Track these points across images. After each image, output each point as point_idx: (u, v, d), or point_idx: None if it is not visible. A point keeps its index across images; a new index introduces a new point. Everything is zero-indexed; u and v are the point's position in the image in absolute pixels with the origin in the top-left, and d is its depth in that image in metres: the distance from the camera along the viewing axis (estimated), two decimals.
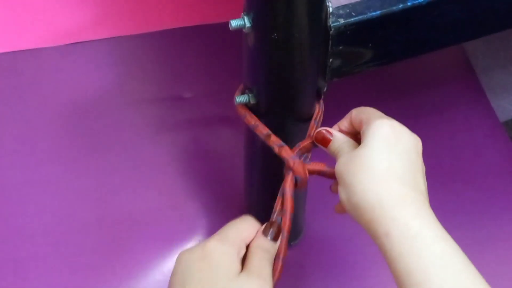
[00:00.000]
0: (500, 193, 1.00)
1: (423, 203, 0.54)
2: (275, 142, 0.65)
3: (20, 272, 0.91)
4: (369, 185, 0.54)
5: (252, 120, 0.67)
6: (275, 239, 0.59)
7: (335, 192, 0.61)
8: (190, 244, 0.93)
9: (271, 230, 0.59)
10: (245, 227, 0.57)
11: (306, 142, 0.65)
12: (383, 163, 0.55)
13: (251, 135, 0.71)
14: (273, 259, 0.58)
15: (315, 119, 0.67)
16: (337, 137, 0.61)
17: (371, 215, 0.53)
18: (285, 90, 0.66)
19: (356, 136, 0.62)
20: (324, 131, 0.62)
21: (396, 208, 0.53)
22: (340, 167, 0.57)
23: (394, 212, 0.53)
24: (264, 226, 0.59)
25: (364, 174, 0.55)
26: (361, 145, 0.57)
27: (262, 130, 0.66)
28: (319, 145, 0.62)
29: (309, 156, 0.65)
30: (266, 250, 0.57)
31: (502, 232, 0.96)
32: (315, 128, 0.66)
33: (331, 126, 0.64)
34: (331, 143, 0.61)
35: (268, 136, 0.65)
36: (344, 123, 0.63)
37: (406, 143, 0.57)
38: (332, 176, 0.61)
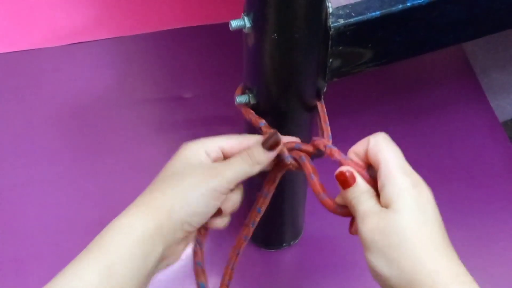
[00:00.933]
0: (500, 193, 1.00)
1: (471, 280, 0.52)
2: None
3: (20, 272, 0.91)
4: (419, 262, 0.52)
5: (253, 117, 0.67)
6: (270, 149, 0.61)
7: (354, 233, 0.59)
8: (190, 244, 0.93)
9: (269, 140, 0.61)
10: (225, 137, 0.62)
11: (307, 148, 0.64)
12: (424, 233, 0.53)
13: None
14: (255, 168, 0.60)
15: (325, 122, 0.67)
16: (360, 185, 0.57)
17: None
18: (285, 90, 0.66)
19: (368, 167, 0.59)
20: (347, 173, 0.57)
21: (452, 285, 0.51)
22: (372, 233, 0.54)
23: (453, 281, 0.51)
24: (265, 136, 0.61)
25: (410, 248, 0.52)
26: (390, 209, 0.54)
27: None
28: (338, 185, 0.59)
29: (315, 154, 0.65)
30: (251, 154, 0.60)
31: (502, 232, 0.96)
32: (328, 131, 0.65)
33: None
34: (351, 189, 0.57)
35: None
36: (359, 149, 0.59)
37: (431, 202, 0.54)
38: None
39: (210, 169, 0.59)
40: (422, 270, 0.52)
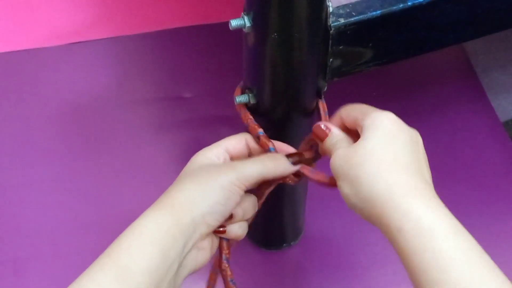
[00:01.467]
0: (500, 193, 1.00)
1: (433, 194, 0.53)
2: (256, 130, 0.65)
3: (20, 272, 0.90)
4: (377, 176, 0.53)
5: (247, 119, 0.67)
6: (294, 163, 0.62)
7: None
8: None
9: (298, 158, 0.62)
10: (233, 137, 0.63)
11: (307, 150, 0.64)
12: (389, 154, 0.54)
13: None
14: (271, 172, 0.61)
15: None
16: (335, 132, 0.60)
17: (382, 209, 0.52)
18: (285, 90, 0.66)
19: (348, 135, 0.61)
20: (322, 125, 0.60)
21: (408, 200, 0.51)
22: (339, 160, 0.56)
23: (406, 205, 0.51)
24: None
25: (371, 165, 0.53)
26: (361, 138, 0.56)
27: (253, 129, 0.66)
28: (316, 140, 0.61)
29: (318, 158, 0.65)
30: (273, 157, 0.61)
31: (502, 232, 0.96)
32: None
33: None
34: (328, 138, 0.60)
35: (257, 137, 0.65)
36: (333, 122, 0.61)
37: (407, 134, 0.56)
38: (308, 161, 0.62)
39: (227, 165, 0.60)
40: (379, 183, 0.53)
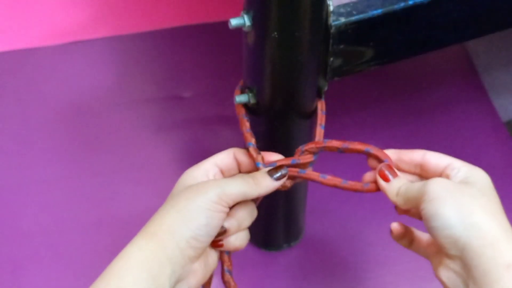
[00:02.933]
0: (502, 193, 0.99)
1: None
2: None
3: (19, 273, 0.90)
4: (491, 214, 0.55)
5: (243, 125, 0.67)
6: (277, 179, 0.61)
7: (401, 213, 0.62)
8: None
9: (280, 172, 0.62)
10: (221, 153, 0.63)
11: (310, 146, 0.64)
12: (495, 201, 0.57)
13: None
14: (254, 191, 0.60)
15: (321, 124, 0.67)
16: (401, 179, 0.61)
17: (492, 241, 0.53)
18: (285, 89, 0.66)
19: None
20: (387, 172, 0.62)
21: None
22: (446, 185, 0.57)
23: None
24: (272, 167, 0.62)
25: (484, 203, 0.56)
26: (463, 180, 0.58)
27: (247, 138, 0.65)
28: (379, 180, 0.62)
29: (314, 162, 0.65)
30: (255, 177, 0.61)
31: None
32: (321, 134, 0.66)
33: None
34: (392, 182, 0.61)
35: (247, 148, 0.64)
36: (407, 157, 0.62)
37: (496, 194, 0.60)
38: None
39: (208, 183, 0.59)
40: (493, 221, 0.55)
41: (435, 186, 0.57)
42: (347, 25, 0.63)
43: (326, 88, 0.68)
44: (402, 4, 0.64)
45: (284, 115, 0.69)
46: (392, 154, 0.63)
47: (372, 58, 0.67)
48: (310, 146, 0.64)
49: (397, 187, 0.60)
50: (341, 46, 0.64)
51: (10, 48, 1.12)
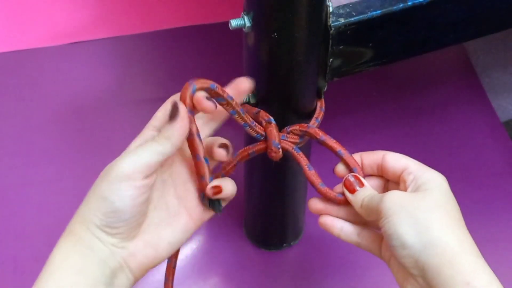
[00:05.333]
0: (500, 193, 1.00)
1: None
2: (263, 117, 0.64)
3: (19, 273, 0.90)
4: (449, 228, 0.53)
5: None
6: (171, 118, 0.55)
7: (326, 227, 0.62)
8: (190, 245, 0.93)
9: (171, 110, 0.55)
10: (158, 112, 0.58)
11: (293, 128, 0.64)
12: (454, 211, 0.55)
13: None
14: (166, 147, 0.54)
15: (316, 117, 0.67)
16: (367, 187, 0.60)
17: (450, 258, 0.52)
18: (285, 89, 0.66)
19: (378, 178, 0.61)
20: (352, 179, 0.60)
21: (479, 260, 0.53)
22: (399, 199, 0.55)
23: (478, 264, 0.53)
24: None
25: (441, 216, 0.54)
26: (421, 189, 0.56)
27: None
28: (345, 192, 0.60)
29: (300, 144, 0.64)
30: (161, 131, 0.56)
31: (502, 232, 0.96)
32: (316, 125, 0.66)
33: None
34: (358, 193, 0.59)
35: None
36: (369, 159, 0.61)
37: (452, 194, 0.58)
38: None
39: (113, 162, 0.56)
40: (450, 235, 0.53)
41: (389, 203, 0.54)
42: (346, 26, 0.63)
43: (325, 89, 0.69)
44: (401, 5, 0.64)
45: (283, 115, 0.69)
46: (356, 158, 0.61)
47: (371, 58, 0.68)
48: (294, 127, 0.63)
49: (361, 198, 0.59)
50: (341, 47, 0.64)
51: (11, 49, 1.12)
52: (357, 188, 0.59)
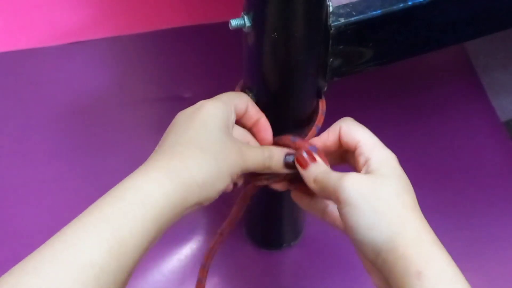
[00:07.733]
0: (500, 193, 1.00)
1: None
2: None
3: None
4: (406, 216, 0.53)
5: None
6: (287, 166, 0.62)
7: (295, 199, 0.65)
8: (189, 245, 0.93)
9: (291, 156, 0.62)
10: (237, 96, 0.62)
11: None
12: (409, 199, 0.54)
13: None
14: (265, 170, 0.61)
15: (317, 125, 0.67)
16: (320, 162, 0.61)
17: (404, 251, 0.51)
18: (285, 89, 0.66)
19: (337, 152, 0.62)
20: (305, 155, 0.61)
21: (434, 248, 0.52)
22: (360, 187, 0.54)
23: (432, 252, 0.52)
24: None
25: (396, 205, 0.53)
26: (373, 173, 0.56)
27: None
28: (297, 166, 0.62)
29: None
30: (272, 155, 0.62)
31: (502, 232, 0.96)
32: (313, 134, 0.66)
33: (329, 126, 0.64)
34: (310, 168, 0.60)
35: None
36: (330, 137, 0.62)
37: (404, 173, 0.57)
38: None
39: (237, 152, 0.58)
40: (407, 224, 0.53)
41: (349, 189, 0.54)
42: (346, 25, 0.63)
43: (325, 88, 0.69)
44: (401, 5, 0.64)
45: (283, 115, 0.69)
46: (325, 135, 0.62)
47: (372, 58, 0.68)
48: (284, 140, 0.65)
49: (314, 174, 0.59)
50: (341, 47, 0.64)
51: (11, 49, 1.12)
52: (309, 163, 0.60)
